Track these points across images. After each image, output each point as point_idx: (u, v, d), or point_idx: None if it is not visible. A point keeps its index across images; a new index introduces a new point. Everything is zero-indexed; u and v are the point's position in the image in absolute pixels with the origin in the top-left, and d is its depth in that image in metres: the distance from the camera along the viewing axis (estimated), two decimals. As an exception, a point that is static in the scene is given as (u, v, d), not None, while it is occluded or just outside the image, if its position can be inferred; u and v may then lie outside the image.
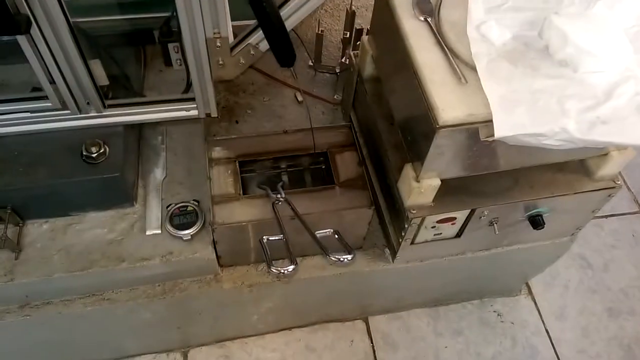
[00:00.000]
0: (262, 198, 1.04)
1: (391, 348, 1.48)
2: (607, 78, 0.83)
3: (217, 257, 1.10)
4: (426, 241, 1.12)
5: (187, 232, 1.06)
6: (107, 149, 1.02)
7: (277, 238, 0.89)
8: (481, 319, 1.54)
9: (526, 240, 1.21)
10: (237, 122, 1.28)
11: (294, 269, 0.88)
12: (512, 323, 1.54)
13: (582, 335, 1.53)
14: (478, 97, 0.83)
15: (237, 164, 1.09)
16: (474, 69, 0.85)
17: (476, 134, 0.85)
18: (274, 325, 1.45)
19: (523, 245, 1.23)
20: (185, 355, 1.44)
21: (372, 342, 1.49)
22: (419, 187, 0.95)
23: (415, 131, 0.93)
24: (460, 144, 0.87)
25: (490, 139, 0.82)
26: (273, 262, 0.91)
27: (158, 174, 1.14)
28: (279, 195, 1.00)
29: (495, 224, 1.09)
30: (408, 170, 0.96)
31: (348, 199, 1.05)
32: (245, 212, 1.03)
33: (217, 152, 1.10)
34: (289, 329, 1.48)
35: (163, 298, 1.11)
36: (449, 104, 0.82)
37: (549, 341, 1.51)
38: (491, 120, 0.81)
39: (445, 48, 0.88)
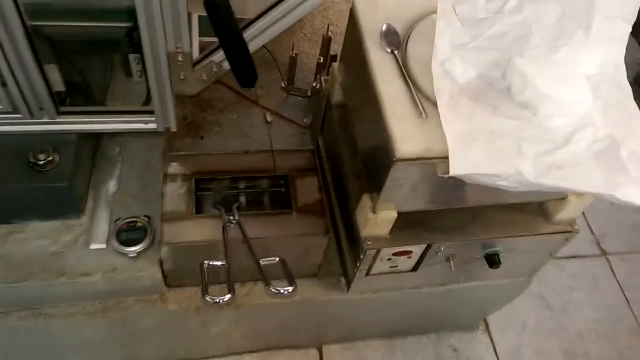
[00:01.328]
0: (215, 219, 1.01)
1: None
2: (566, 123, 0.83)
3: (164, 276, 1.06)
4: (381, 273, 1.09)
5: (133, 248, 1.02)
6: (57, 157, 0.98)
7: (219, 263, 0.85)
8: (437, 354, 1.52)
9: (483, 277, 1.20)
10: (202, 137, 1.25)
11: (230, 298, 0.83)
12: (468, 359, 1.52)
13: (537, 376, 1.52)
14: (437, 133, 0.81)
15: (193, 182, 1.06)
16: (435, 104, 0.84)
17: (434, 169, 0.84)
18: (224, 349, 1.41)
19: (479, 283, 1.22)
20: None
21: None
22: (375, 218, 0.93)
23: (375, 161, 0.92)
24: (417, 178, 0.86)
25: (446, 176, 0.81)
26: (211, 287, 0.87)
27: (111, 186, 1.10)
28: (231, 217, 0.96)
29: (451, 260, 1.08)
30: (365, 201, 0.94)
31: (304, 225, 1.03)
32: (195, 232, 0.99)
33: (174, 168, 1.07)
34: (239, 353, 1.44)
35: (103, 316, 1.07)
36: (407, 137, 0.81)
37: (503, 381, 1.50)
38: (448, 157, 0.80)
39: (409, 81, 0.87)
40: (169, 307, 1.09)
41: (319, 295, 1.15)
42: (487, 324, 1.58)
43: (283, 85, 1.36)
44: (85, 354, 1.26)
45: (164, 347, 1.32)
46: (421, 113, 0.84)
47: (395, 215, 0.94)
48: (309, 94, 1.35)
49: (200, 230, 0.99)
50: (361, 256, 1.01)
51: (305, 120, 1.32)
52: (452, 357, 1.52)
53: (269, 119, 1.30)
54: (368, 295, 1.18)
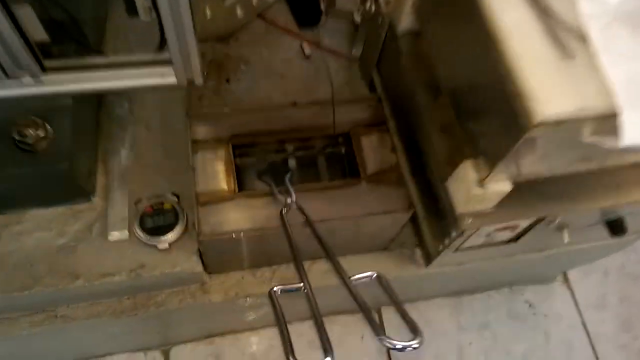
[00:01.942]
0: (264, 197, 0.78)
1: (407, 344, 1.28)
2: None
3: (205, 265, 0.85)
4: (473, 247, 0.87)
5: (164, 238, 0.80)
6: (50, 130, 0.73)
7: (294, 287, 0.63)
8: (510, 310, 1.34)
9: (593, 239, 0.98)
10: (227, 80, 0.99)
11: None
12: (546, 315, 1.34)
13: (623, 328, 1.35)
14: (589, 81, 0.56)
15: (230, 148, 0.81)
16: (580, 37, 0.58)
17: (581, 131, 0.59)
18: (271, 320, 1.23)
19: (584, 245, 1.00)
20: (166, 354, 1.22)
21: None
22: (482, 194, 0.69)
23: (487, 119, 0.66)
24: (556, 143, 0.61)
25: (608, 143, 0.56)
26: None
27: (124, 156, 0.86)
28: (288, 200, 0.73)
29: (565, 230, 0.85)
30: (467, 171, 0.70)
31: (379, 199, 0.79)
32: (242, 216, 0.76)
33: (204, 131, 0.82)
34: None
35: (134, 315, 0.87)
36: (550, 90, 0.55)
37: (586, 336, 1.33)
38: (610, 115, 0.55)
39: (540, 5, 0.60)
40: (211, 299, 0.89)
41: (391, 271, 0.94)
42: (565, 274, 1.39)
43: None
44: (113, 345, 1.09)
45: (204, 326, 1.14)
46: (564, 52, 0.57)
47: (509, 188, 0.70)
48: (358, 20, 1.05)
49: (248, 213, 0.77)
50: (454, 234, 0.78)
51: (353, 52, 1.04)
52: (528, 313, 1.34)
53: (307, 51, 1.02)
54: (449, 268, 0.97)
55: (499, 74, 0.58)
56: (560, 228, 0.84)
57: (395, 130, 0.87)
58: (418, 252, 0.96)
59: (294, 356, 0.49)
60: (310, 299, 0.58)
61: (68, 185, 0.78)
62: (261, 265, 0.92)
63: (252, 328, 1.24)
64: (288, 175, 0.79)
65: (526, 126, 0.55)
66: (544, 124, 0.55)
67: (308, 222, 0.71)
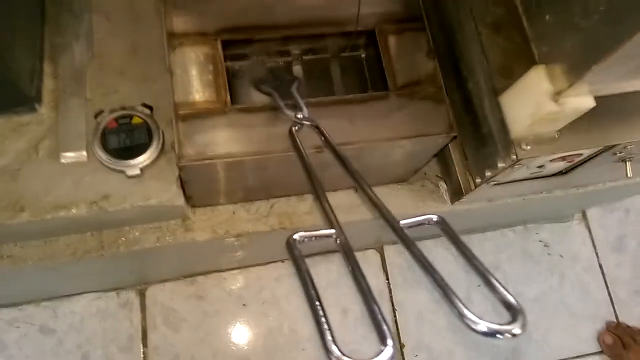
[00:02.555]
0: (264, 112, 0.60)
1: (408, 286, 1.16)
2: None
3: (186, 197, 0.68)
4: (515, 180, 0.72)
5: (133, 162, 0.62)
6: (-32, 8, 0.52)
7: (322, 233, 0.44)
8: (524, 250, 1.22)
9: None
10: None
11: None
12: (561, 256, 1.22)
13: (641, 272, 1.25)
14: None
15: (220, 45, 0.62)
16: None
17: None
18: (263, 258, 1.09)
19: (631, 181, 0.85)
20: (142, 294, 1.07)
21: (387, 278, 1.16)
22: (557, 112, 0.53)
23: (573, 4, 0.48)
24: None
25: None
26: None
27: (78, 53, 0.66)
28: (299, 115, 0.55)
29: (628, 162, 0.70)
30: (539, 79, 0.53)
31: (411, 117, 0.62)
32: (235, 135, 0.59)
33: (184, 21, 0.62)
34: (282, 260, 1.12)
35: (100, 255, 0.70)
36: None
37: (602, 279, 1.22)
38: None
39: None
40: (196, 238, 0.73)
41: (409, 209, 0.79)
42: (583, 212, 1.26)
43: None
44: (79, 284, 0.93)
45: (184, 266, 0.99)
46: None
47: (592, 104, 0.53)
48: None
49: (244, 133, 0.59)
50: (503, 164, 0.62)
51: None
52: (543, 253, 1.22)
53: None
54: (477, 205, 0.82)
55: None
56: (624, 160, 0.69)
57: (436, 28, 0.68)
58: (443, 186, 0.81)
59: (336, 346, 0.33)
60: (346, 253, 0.41)
61: (3, 88, 0.58)
62: (256, 197, 0.75)
63: (240, 266, 1.10)
64: (295, 85, 0.61)
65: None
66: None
67: (327, 144, 0.54)
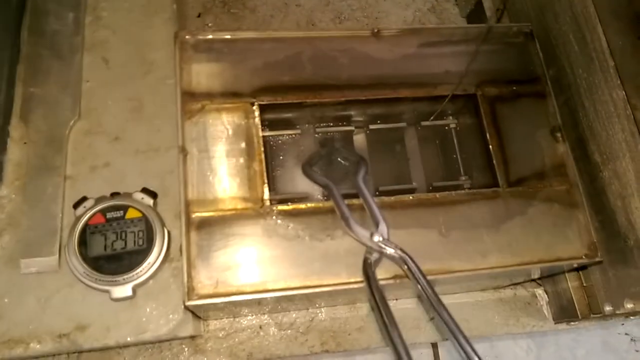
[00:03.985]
0: (321, 214, 0.40)
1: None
2: None
3: (195, 315, 0.48)
4: None
5: (123, 278, 0.42)
6: None
7: None
8: (606, 343, 0.99)
9: None
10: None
11: None
12: (652, 353, 1.00)
13: None
14: None
15: (257, 111, 0.43)
16: None
17: None
18: None
19: None
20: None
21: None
22: None
23: None
24: None
25: None
26: None
27: (60, 109, 0.48)
28: (377, 237, 0.35)
29: None
30: None
31: (533, 227, 0.42)
32: (276, 255, 0.39)
33: (208, 76, 0.43)
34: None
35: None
36: None
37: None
38: None
39: None
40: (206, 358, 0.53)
41: (497, 328, 0.59)
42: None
43: None
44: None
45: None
46: None
47: None
48: None
49: (288, 251, 0.39)
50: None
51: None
52: (629, 350, 0.99)
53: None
54: (587, 335, 0.61)
55: None
56: None
57: (563, 95, 0.48)
58: (542, 297, 0.60)
59: None
60: None
61: None
62: (291, 306, 0.55)
63: None
64: (362, 172, 0.42)
65: None
66: None
67: (415, 279, 0.34)
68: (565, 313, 0.56)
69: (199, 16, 0.66)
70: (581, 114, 0.48)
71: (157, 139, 0.47)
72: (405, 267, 0.36)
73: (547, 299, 0.60)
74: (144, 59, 0.50)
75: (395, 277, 0.38)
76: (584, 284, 0.53)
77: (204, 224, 0.39)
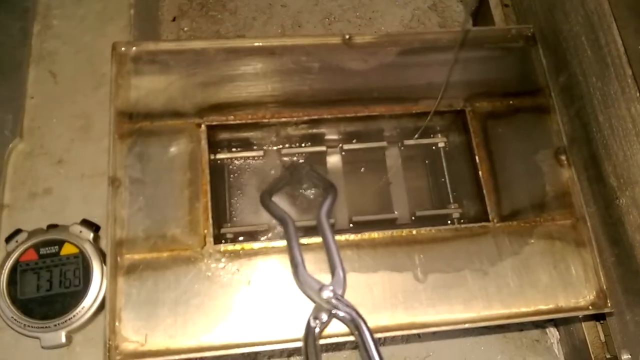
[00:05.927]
0: (272, 254, 0.34)
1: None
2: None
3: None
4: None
5: (54, 323, 0.37)
6: None
7: None
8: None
9: None
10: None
11: None
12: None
13: None
14: None
15: (205, 133, 0.37)
16: None
17: None
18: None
19: None
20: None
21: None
22: None
23: None
24: None
25: None
26: None
27: (-5, 133, 0.43)
28: (326, 292, 0.29)
29: None
30: None
31: (530, 270, 0.35)
32: (217, 305, 0.33)
33: (147, 95, 0.38)
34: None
35: None
36: None
37: None
38: None
39: None
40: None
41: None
42: None
43: None
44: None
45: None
46: None
47: None
48: None
49: (229, 302, 0.33)
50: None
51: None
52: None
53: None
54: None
55: None
56: None
57: (566, 107, 0.41)
58: (553, 334, 0.53)
59: None
60: None
61: None
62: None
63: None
64: (327, 203, 0.36)
65: None
66: None
67: (363, 346, 0.28)
68: (578, 355, 0.49)
69: (174, 20, 0.61)
70: (595, 129, 0.40)
71: (104, 161, 0.42)
72: (357, 332, 0.29)
73: (558, 337, 0.52)
74: (95, 72, 0.45)
75: (341, 335, 0.32)
76: (600, 322, 0.46)
77: (134, 269, 0.33)
